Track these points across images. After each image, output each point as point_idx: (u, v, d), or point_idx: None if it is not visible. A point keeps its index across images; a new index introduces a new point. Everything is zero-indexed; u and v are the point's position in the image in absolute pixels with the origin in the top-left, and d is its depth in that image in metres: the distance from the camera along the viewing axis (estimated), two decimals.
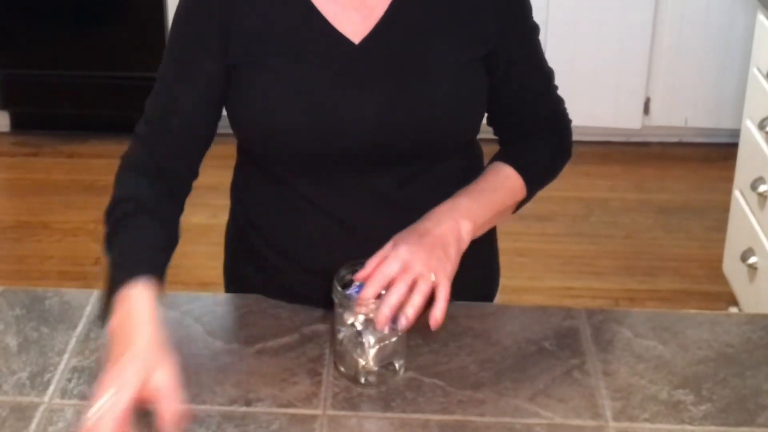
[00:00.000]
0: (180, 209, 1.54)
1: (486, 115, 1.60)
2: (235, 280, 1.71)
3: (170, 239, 1.48)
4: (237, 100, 1.51)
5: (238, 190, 1.67)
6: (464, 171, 1.59)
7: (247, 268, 1.66)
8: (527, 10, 1.55)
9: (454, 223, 1.45)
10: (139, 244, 1.43)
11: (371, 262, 1.40)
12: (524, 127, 1.61)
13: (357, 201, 1.53)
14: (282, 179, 1.56)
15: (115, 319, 1.32)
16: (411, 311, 1.35)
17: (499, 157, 1.61)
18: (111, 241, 1.44)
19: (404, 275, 1.37)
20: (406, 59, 1.48)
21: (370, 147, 1.49)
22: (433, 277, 1.37)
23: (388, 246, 1.41)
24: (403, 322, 1.35)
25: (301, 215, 1.56)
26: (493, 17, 1.51)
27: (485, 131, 1.65)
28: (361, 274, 1.39)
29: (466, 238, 1.46)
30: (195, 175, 1.55)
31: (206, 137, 1.54)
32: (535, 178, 1.60)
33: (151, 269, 1.37)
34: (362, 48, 1.47)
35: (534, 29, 1.57)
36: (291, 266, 1.59)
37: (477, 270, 1.66)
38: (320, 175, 1.53)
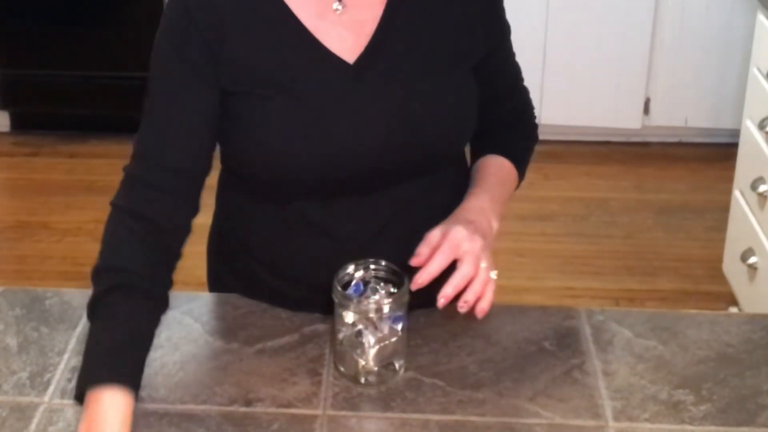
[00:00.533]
0: (175, 260, 1.47)
1: None
2: (217, 288, 1.69)
3: (158, 316, 1.43)
4: (233, 129, 1.46)
5: (224, 210, 1.65)
6: (455, 183, 1.59)
7: (229, 277, 1.65)
8: (503, 10, 1.58)
9: (488, 222, 1.47)
10: (123, 334, 1.36)
11: (423, 249, 1.39)
12: (496, 119, 1.63)
13: (353, 220, 1.52)
14: (275, 201, 1.53)
15: (85, 423, 1.29)
16: (472, 297, 1.37)
17: (490, 149, 1.62)
18: (96, 311, 1.39)
19: (469, 258, 1.38)
20: (402, 76, 1.47)
21: (372, 169, 1.47)
22: (493, 275, 1.39)
23: (435, 232, 1.40)
24: (464, 308, 1.37)
25: (295, 235, 1.54)
26: (479, 24, 1.52)
27: None
28: (416, 261, 1.38)
29: (494, 231, 1.49)
30: (196, 210, 1.48)
31: (203, 170, 1.48)
32: (524, 168, 1.65)
33: (130, 373, 1.33)
34: (357, 67, 1.45)
35: (508, 28, 1.59)
36: (284, 284, 1.58)
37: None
38: (317, 197, 1.51)
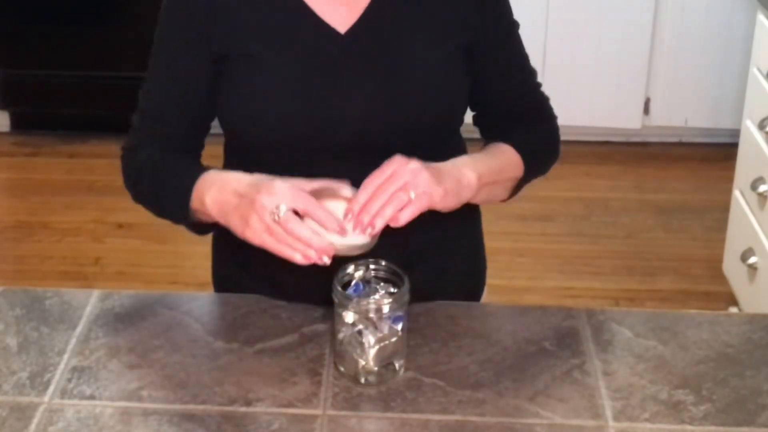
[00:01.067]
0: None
1: (472, 113, 1.64)
2: (222, 280, 1.70)
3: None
4: (224, 90, 1.53)
5: None
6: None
7: (237, 274, 1.66)
8: (506, 5, 1.59)
9: (456, 170, 1.46)
10: (185, 163, 1.54)
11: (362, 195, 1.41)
12: (508, 122, 1.63)
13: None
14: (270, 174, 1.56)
15: (213, 195, 1.44)
16: (380, 222, 1.38)
17: (492, 141, 1.62)
18: (157, 183, 1.54)
19: (388, 185, 1.38)
20: (391, 49, 1.51)
21: (356, 137, 1.51)
22: (412, 195, 1.38)
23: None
24: (369, 231, 1.38)
25: None
26: (471, 8, 1.54)
27: (471, 131, 1.66)
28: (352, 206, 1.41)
29: (468, 185, 1.47)
30: (201, 147, 1.62)
31: (203, 122, 1.59)
32: (530, 156, 1.60)
33: (208, 168, 1.50)
34: (347, 38, 1.50)
35: (514, 25, 1.61)
36: (281, 265, 1.58)
37: (462, 266, 1.67)
38: (307, 168, 1.53)
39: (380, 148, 1.52)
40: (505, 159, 1.58)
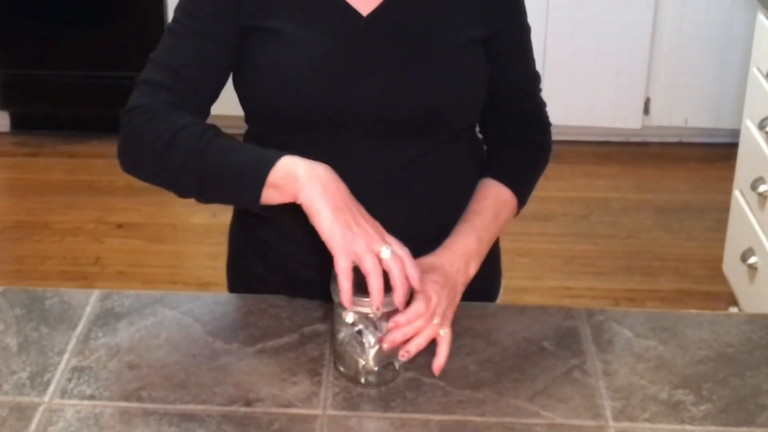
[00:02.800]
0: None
1: None
2: (237, 271, 1.72)
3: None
4: (245, 63, 1.54)
5: None
6: (465, 160, 1.63)
7: (250, 257, 1.68)
8: (523, 9, 1.62)
9: (466, 268, 1.52)
10: (248, 146, 1.48)
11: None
12: (507, 124, 1.66)
13: (361, 181, 1.54)
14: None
15: (320, 175, 1.38)
16: (413, 349, 1.41)
17: (490, 173, 1.64)
18: (215, 149, 1.43)
19: (426, 322, 1.41)
20: (412, 34, 1.52)
21: (374, 119, 1.52)
22: (442, 332, 1.43)
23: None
24: (404, 357, 1.40)
25: None
26: (493, 1, 1.57)
27: None
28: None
29: (470, 278, 1.53)
30: (208, 113, 1.56)
31: (214, 91, 1.55)
32: (526, 193, 1.68)
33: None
34: (369, 20, 1.52)
35: (527, 29, 1.63)
36: (294, 249, 1.60)
37: (479, 271, 1.67)
38: (325, 150, 1.53)
39: (398, 130, 1.54)
40: (504, 218, 1.64)
